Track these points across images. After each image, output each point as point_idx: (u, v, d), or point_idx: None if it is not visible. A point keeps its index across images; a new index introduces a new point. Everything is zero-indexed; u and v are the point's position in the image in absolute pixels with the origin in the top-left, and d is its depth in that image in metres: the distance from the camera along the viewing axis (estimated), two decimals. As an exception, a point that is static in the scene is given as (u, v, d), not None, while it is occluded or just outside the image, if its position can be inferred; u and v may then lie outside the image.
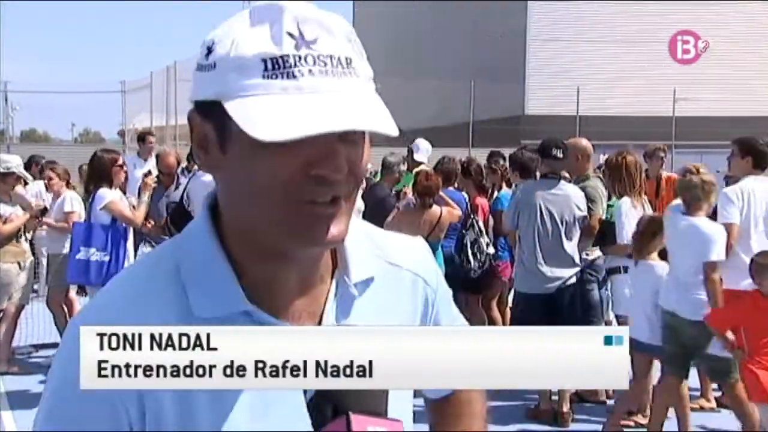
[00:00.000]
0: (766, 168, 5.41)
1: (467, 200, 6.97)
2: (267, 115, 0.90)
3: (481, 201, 6.92)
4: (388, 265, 1.15)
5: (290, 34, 0.93)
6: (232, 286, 1.01)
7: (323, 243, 0.98)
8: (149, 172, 7.43)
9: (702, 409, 5.80)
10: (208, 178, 6.33)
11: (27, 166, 9.86)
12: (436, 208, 6.15)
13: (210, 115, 0.97)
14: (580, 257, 5.67)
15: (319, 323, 1.06)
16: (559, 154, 5.57)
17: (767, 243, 5.07)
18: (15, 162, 7.16)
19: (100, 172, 6.18)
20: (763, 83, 28.94)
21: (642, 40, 28.73)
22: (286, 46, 0.93)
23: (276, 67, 0.92)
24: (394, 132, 0.93)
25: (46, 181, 7.97)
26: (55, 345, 7.55)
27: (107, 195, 6.10)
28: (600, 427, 5.63)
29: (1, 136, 25.40)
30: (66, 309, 7.31)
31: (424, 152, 7.88)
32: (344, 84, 0.94)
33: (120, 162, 6.28)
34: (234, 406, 1.00)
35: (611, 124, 24.75)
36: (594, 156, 6.29)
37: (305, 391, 0.96)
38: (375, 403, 0.94)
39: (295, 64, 0.92)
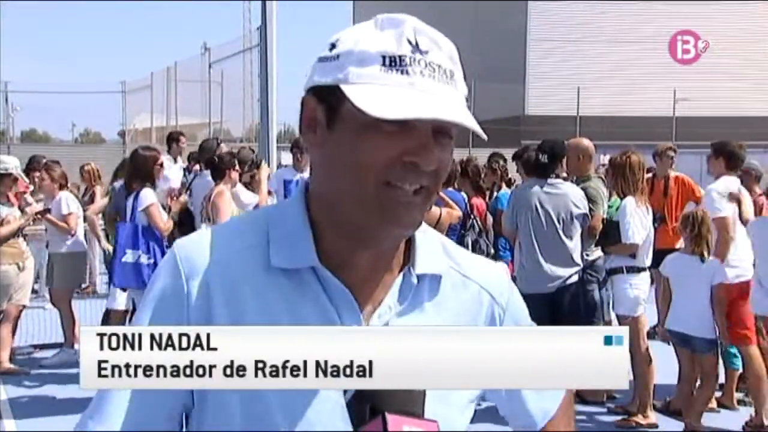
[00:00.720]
0: (737, 168, 5.97)
1: (467, 200, 6.96)
2: (379, 98, 1.00)
3: (477, 201, 6.88)
4: (458, 274, 1.19)
5: (408, 41, 1.04)
6: (308, 245, 1.10)
7: (398, 225, 1.07)
8: (172, 189, 7.33)
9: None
10: (210, 177, 6.38)
11: (29, 167, 9.90)
12: (435, 209, 6.10)
13: (324, 98, 1.07)
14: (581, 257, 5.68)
15: (379, 305, 1.11)
16: (544, 159, 5.56)
17: (745, 237, 5.68)
18: (13, 163, 7.16)
19: (143, 171, 5.98)
20: (763, 83, 28.94)
21: (642, 41, 28.73)
22: (404, 48, 1.04)
23: (393, 63, 1.03)
24: (484, 135, 1.05)
25: (37, 180, 7.95)
26: (55, 345, 7.56)
27: (150, 197, 5.90)
28: (600, 427, 5.64)
29: (2, 137, 25.41)
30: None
31: None
32: (448, 90, 1.05)
33: (161, 161, 6.16)
34: (269, 405, 1.04)
35: (612, 125, 24.76)
36: (594, 156, 6.29)
37: (345, 391, 0.98)
38: (412, 403, 0.96)
39: (410, 64, 1.03)
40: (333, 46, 1.07)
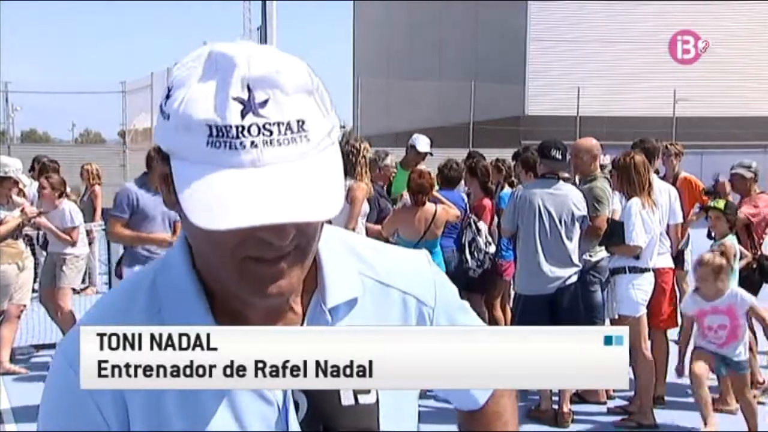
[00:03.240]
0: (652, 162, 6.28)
1: (466, 200, 6.96)
2: (205, 199, 0.90)
3: (487, 202, 6.90)
4: (376, 283, 1.12)
5: (237, 99, 0.91)
6: (203, 311, 1.02)
7: (268, 297, 0.98)
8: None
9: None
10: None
11: (32, 169, 9.94)
12: (430, 206, 6.14)
13: (166, 159, 0.97)
14: (583, 258, 5.67)
15: None
16: (558, 155, 5.56)
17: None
18: (13, 166, 7.15)
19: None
20: (763, 83, 28.93)
21: (642, 41, 28.73)
22: (231, 114, 0.90)
23: (220, 134, 0.91)
24: (327, 216, 0.91)
25: (36, 190, 7.94)
26: (55, 345, 7.55)
27: None
28: (600, 427, 5.64)
29: (2, 137, 25.41)
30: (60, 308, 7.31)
31: (426, 144, 7.79)
32: (291, 152, 0.91)
33: None
34: (208, 424, 1.01)
35: (612, 125, 24.74)
36: (600, 156, 6.31)
37: (297, 410, 0.95)
38: (366, 419, 0.94)
39: (238, 136, 0.90)
40: (168, 95, 0.96)
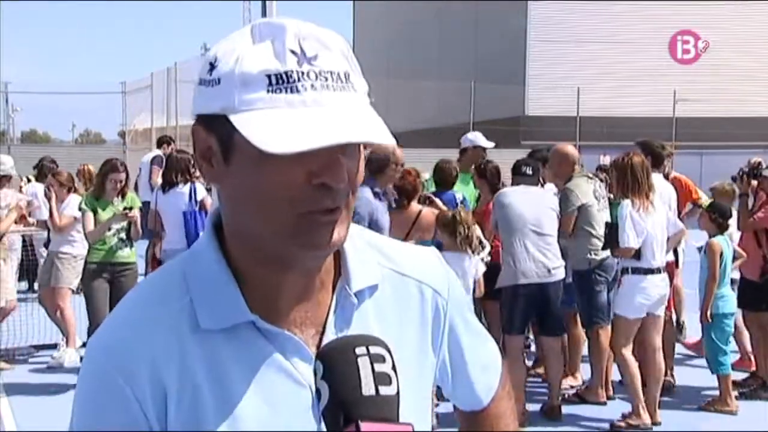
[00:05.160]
0: (660, 166, 6.41)
1: (458, 201, 6.78)
2: (273, 129, 0.93)
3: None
4: (394, 273, 1.16)
5: (292, 51, 0.97)
6: (235, 298, 1.04)
7: (326, 248, 1.02)
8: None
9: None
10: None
11: (38, 170, 10.10)
12: (414, 208, 5.85)
13: (214, 128, 1.00)
14: (587, 257, 5.80)
15: (323, 332, 1.07)
16: (529, 171, 5.93)
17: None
18: (9, 164, 7.37)
19: (182, 169, 7.01)
20: (763, 84, 28.92)
21: (642, 41, 28.72)
22: (289, 62, 0.96)
23: (280, 82, 0.96)
24: (391, 142, 0.97)
25: (46, 187, 8.06)
26: (55, 345, 7.56)
27: (201, 190, 6.98)
28: (600, 427, 5.64)
29: (2, 137, 25.43)
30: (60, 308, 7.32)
31: (482, 138, 7.54)
32: (344, 98, 0.97)
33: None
34: (241, 415, 1.02)
35: (612, 125, 24.75)
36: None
37: (319, 399, 0.96)
38: (386, 410, 0.94)
39: (299, 79, 0.96)
40: (212, 66, 0.99)
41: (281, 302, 1.06)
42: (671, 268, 5.91)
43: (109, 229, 6.46)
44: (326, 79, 0.96)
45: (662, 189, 6.02)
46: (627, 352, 5.54)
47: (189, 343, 1.02)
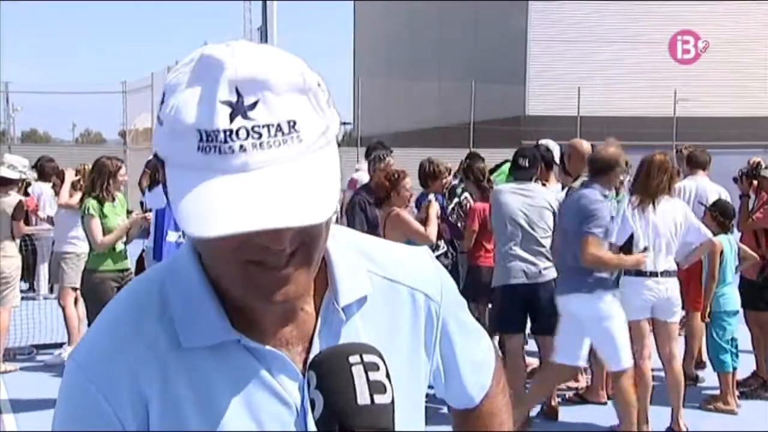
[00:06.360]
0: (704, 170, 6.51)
1: (431, 200, 6.69)
2: (195, 204, 0.88)
3: (480, 206, 6.58)
4: (384, 280, 1.12)
5: (226, 102, 0.90)
6: (219, 318, 1.01)
7: (274, 302, 0.96)
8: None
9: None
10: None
11: (39, 171, 10.10)
12: (387, 209, 5.79)
13: (162, 166, 0.97)
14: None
15: (309, 348, 1.05)
16: (525, 164, 5.81)
17: None
18: (20, 165, 7.45)
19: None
20: (764, 83, 28.91)
21: (642, 41, 28.70)
22: (220, 116, 0.89)
23: (209, 139, 0.89)
24: (315, 221, 0.88)
25: (52, 188, 8.15)
26: (55, 345, 7.56)
27: None
28: (600, 427, 5.63)
29: (2, 137, 25.41)
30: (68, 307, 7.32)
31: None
32: (281, 154, 0.90)
33: None
34: (225, 425, 1.00)
35: (612, 125, 24.73)
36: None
37: (313, 409, 0.94)
38: (381, 419, 0.93)
39: (226, 140, 0.89)
40: (162, 98, 0.95)
41: (265, 322, 1.03)
42: (682, 274, 5.62)
43: (127, 236, 6.14)
44: (260, 136, 0.89)
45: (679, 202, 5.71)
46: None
47: (170, 359, 1.00)
